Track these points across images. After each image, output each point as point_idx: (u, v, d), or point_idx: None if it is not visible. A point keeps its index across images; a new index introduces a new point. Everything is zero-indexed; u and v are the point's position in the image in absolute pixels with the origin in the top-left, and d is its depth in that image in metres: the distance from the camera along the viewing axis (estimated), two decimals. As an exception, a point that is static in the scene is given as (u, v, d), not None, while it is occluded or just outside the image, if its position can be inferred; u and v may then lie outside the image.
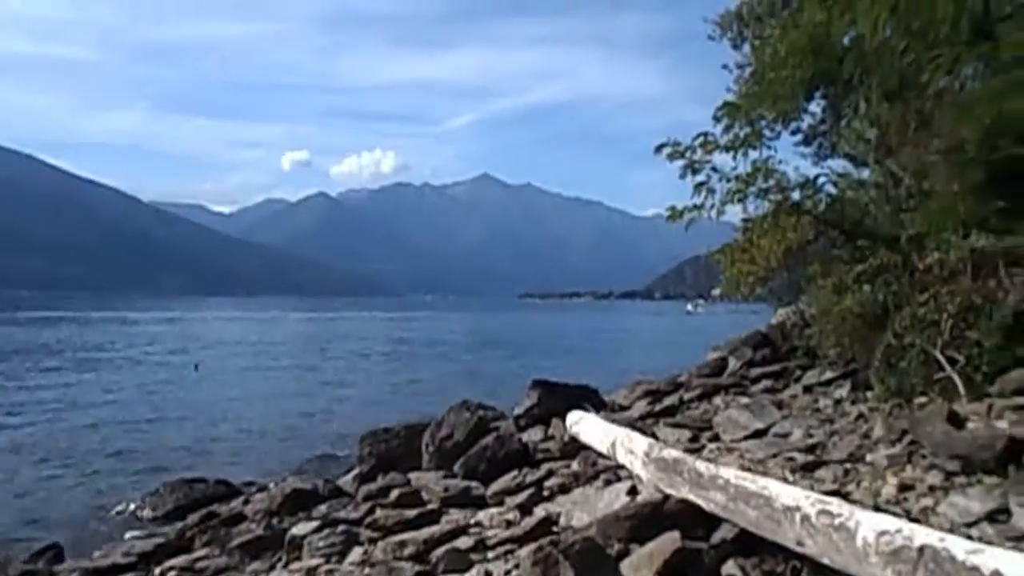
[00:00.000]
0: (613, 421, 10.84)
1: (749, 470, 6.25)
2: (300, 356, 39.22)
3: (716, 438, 9.91)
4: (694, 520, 5.27)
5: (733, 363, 17.73)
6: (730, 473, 5.14)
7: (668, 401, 13.52)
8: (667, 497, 5.67)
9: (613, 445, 7.75)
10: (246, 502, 10.29)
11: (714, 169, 13.07)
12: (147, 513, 10.32)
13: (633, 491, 6.69)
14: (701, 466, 5.53)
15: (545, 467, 9.82)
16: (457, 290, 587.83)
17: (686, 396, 14.43)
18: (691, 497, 5.42)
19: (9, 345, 44.19)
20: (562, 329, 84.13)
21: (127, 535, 9.49)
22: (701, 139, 12.86)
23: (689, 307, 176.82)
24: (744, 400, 12.07)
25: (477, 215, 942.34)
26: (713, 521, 5.23)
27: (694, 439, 9.98)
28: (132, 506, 10.67)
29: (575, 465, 9.82)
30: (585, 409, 11.30)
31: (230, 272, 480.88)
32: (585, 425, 9.63)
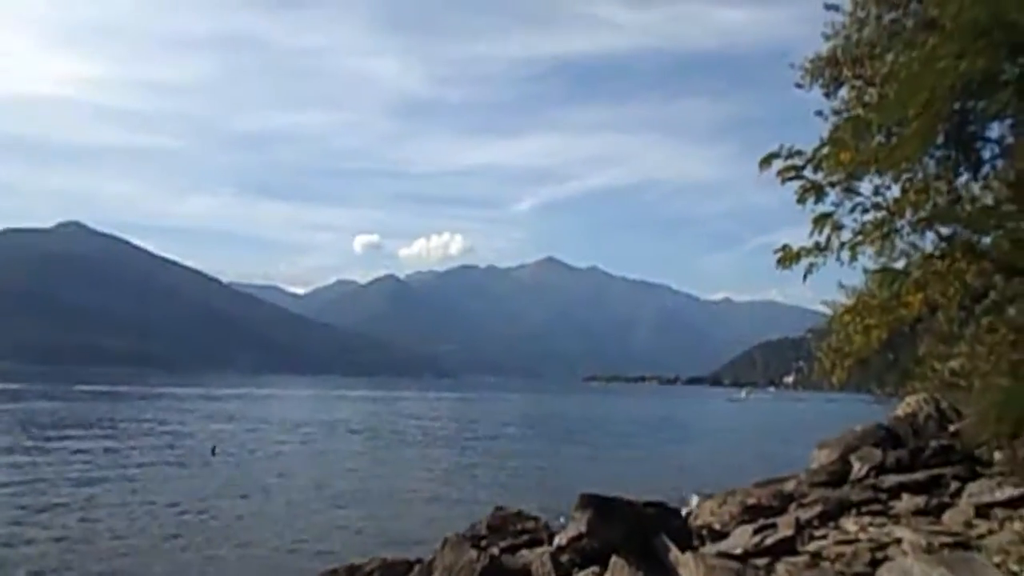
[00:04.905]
0: (714, 569, 6.78)
1: None
2: (333, 440, 35.77)
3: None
4: None
5: (858, 467, 13.40)
6: None
7: (782, 527, 9.28)
8: None
9: None
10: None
11: (850, 190, 9.24)
12: None
13: None
14: None
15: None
16: (521, 372, 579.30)
17: (803, 516, 10.26)
18: None
19: (38, 417, 42.47)
20: (626, 414, 79.24)
21: None
22: (830, 148, 9.12)
23: (741, 394, 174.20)
24: (917, 538, 7.79)
25: (542, 297, 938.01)
26: None
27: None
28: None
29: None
30: (664, 545, 7.36)
31: (301, 351, 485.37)
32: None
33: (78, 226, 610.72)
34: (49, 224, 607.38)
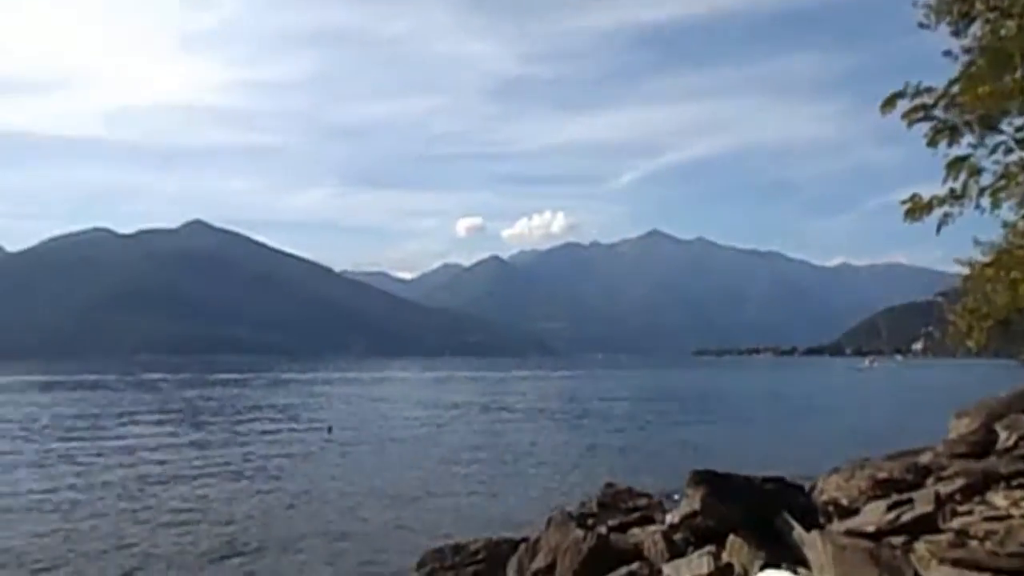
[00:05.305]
0: (844, 549, 6.18)
1: None
2: (442, 420, 36.20)
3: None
4: None
5: (1005, 436, 12.22)
6: None
7: (920, 503, 8.47)
8: None
9: None
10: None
11: (990, 128, 8.24)
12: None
13: None
14: None
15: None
16: (628, 348, 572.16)
17: (943, 490, 9.35)
18: None
19: (176, 404, 45.33)
20: (740, 387, 76.88)
21: None
22: (964, 83, 8.15)
23: (865, 363, 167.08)
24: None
25: (647, 271, 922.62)
26: None
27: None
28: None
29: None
30: (787, 524, 6.78)
31: (411, 335, 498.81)
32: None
33: (201, 224, 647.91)
34: (175, 224, 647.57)
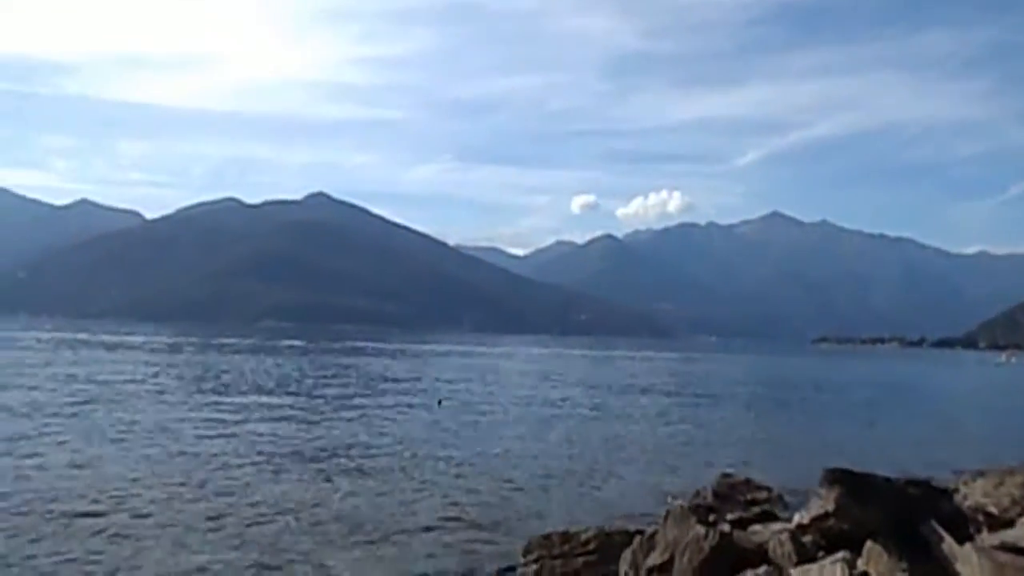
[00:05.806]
0: (1004, 567, 5.52)
1: None
2: (553, 399, 35.95)
3: None
4: None
5: None
6: None
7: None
8: None
9: None
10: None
11: None
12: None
13: None
14: None
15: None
16: (744, 332, 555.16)
17: (1114, 505, 8.31)
18: None
19: (293, 368, 47.50)
20: (864, 378, 72.95)
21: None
22: None
23: (1002, 358, 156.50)
24: None
25: (767, 254, 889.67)
26: None
27: None
28: None
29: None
30: (935, 534, 6.13)
31: (523, 311, 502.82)
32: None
33: (324, 196, 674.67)
34: (299, 196, 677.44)
